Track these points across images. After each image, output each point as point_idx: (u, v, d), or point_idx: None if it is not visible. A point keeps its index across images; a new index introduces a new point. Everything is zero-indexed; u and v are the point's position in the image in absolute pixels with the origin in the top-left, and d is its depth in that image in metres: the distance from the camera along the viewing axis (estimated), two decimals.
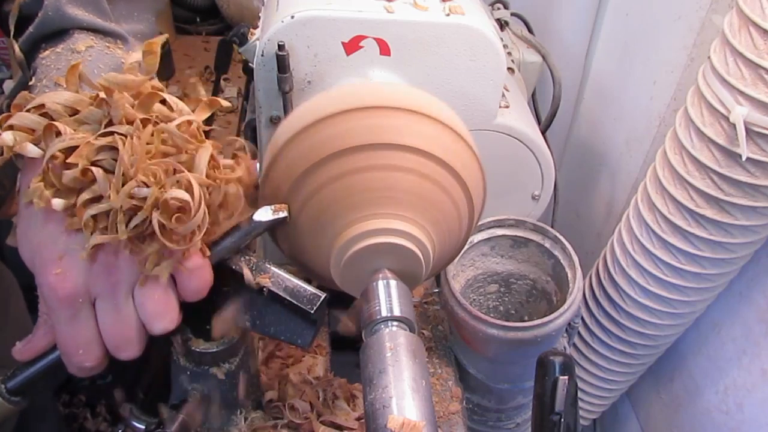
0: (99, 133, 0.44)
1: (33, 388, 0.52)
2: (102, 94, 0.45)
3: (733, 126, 0.68)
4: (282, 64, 0.66)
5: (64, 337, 0.46)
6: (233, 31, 0.76)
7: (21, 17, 0.56)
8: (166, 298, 0.47)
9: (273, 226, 0.52)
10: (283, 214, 0.51)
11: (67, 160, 0.43)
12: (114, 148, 0.43)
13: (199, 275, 0.48)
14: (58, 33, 0.56)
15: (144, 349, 0.48)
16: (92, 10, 0.58)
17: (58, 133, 0.44)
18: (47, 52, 0.54)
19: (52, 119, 0.45)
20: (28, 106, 0.46)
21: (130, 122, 0.45)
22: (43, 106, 0.45)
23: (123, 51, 0.57)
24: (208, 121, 0.61)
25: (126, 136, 0.43)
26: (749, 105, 0.66)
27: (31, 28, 0.55)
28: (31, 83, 0.53)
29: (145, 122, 0.45)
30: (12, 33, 0.57)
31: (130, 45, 0.59)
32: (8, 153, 0.45)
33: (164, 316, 0.47)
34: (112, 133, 0.44)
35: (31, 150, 0.44)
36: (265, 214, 0.51)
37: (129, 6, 0.63)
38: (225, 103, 0.52)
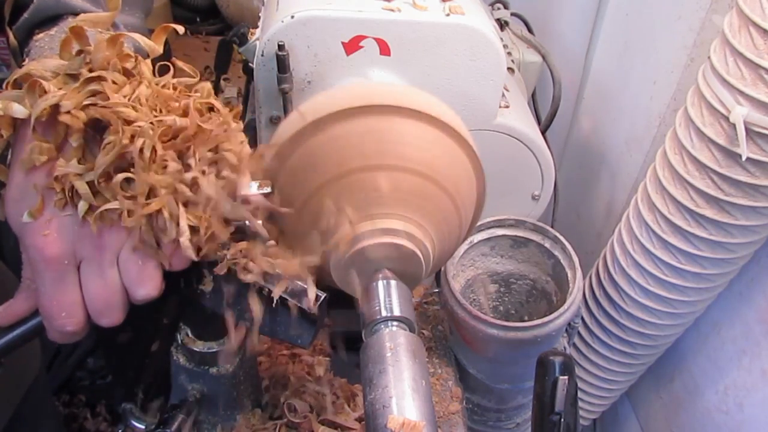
0: (84, 79, 0.45)
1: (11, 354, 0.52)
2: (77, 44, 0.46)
3: (733, 126, 0.68)
4: (282, 64, 0.66)
5: (47, 299, 0.46)
6: (233, 31, 0.76)
7: (16, 6, 0.58)
8: (150, 265, 0.47)
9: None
10: (267, 189, 0.53)
11: (61, 102, 0.43)
12: (100, 92, 0.44)
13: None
14: (53, 18, 0.57)
15: (125, 316, 0.48)
16: None
17: (43, 92, 0.45)
18: (41, 35, 0.55)
19: None
20: (15, 75, 0.46)
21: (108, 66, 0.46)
22: (29, 75, 0.46)
23: None
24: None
25: (109, 81, 0.45)
26: (749, 105, 0.66)
27: (26, 14, 0.56)
28: (24, 64, 0.54)
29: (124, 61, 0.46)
30: (7, 20, 0.58)
31: (121, 32, 0.60)
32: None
33: (147, 283, 0.47)
34: (95, 79, 0.45)
35: (17, 110, 0.45)
36: (250, 189, 0.53)
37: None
38: (179, 28, 0.52)
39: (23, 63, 0.54)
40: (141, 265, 0.47)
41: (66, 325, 0.47)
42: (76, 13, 0.57)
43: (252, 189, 0.53)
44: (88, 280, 0.47)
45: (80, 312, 0.47)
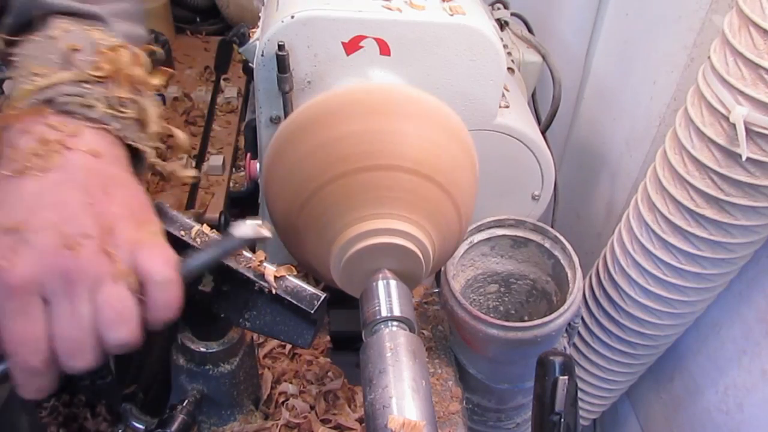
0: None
1: None
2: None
3: (733, 126, 0.68)
4: (282, 64, 0.66)
5: (7, 332, 0.41)
6: (233, 31, 0.76)
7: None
8: (127, 307, 0.42)
9: (253, 244, 0.51)
10: (266, 233, 0.48)
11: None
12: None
13: (168, 289, 0.44)
14: (37, 19, 0.54)
15: (98, 361, 0.43)
16: None
17: None
18: (24, 42, 0.53)
19: None
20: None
21: None
22: None
23: (101, 33, 0.54)
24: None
25: None
26: (749, 105, 0.66)
27: (9, 18, 0.54)
28: (15, 64, 0.52)
29: None
30: None
31: (110, 25, 0.57)
32: None
33: (122, 326, 0.42)
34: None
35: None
36: (245, 231, 0.48)
37: None
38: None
39: (14, 63, 0.52)
40: (117, 306, 0.42)
41: (29, 361, 0.41)
42: (58, 12, 0.55)
43: (248, 231, 0.48)
44: (56, 316, 0.41)
45: (44, 348, 0.41)
